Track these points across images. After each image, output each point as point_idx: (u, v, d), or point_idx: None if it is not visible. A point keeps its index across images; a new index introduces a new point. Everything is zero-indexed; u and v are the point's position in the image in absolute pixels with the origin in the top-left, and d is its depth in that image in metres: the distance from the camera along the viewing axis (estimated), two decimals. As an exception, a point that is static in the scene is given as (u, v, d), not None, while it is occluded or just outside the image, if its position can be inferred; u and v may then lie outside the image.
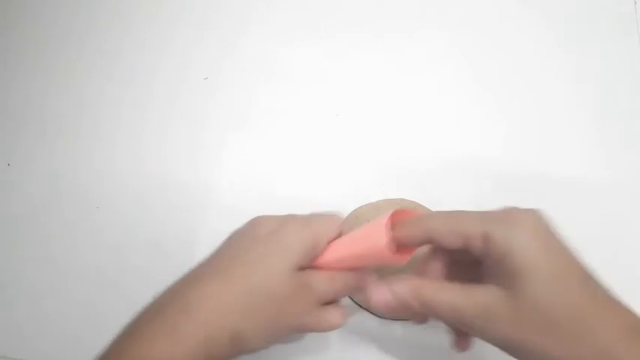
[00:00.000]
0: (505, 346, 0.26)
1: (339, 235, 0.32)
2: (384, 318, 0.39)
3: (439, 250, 0.30)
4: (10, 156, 0.48)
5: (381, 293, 0.29)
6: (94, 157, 0.47)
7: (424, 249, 0.31)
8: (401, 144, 0.45)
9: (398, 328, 0.39)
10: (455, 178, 0.43)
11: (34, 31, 0.53)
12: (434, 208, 0.42)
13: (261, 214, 0.42)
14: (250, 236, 0.31)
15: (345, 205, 0.42)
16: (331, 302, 0.32)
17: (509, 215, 0.27)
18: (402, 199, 0.42)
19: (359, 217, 0.42)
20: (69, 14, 0.54)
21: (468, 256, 0.27)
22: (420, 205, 0.42)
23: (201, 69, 0.49)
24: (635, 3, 0.49)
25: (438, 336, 0.38)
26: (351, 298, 0.39)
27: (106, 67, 0.51)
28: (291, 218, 0.32)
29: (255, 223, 0.32)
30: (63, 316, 0.41)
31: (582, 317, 0.24)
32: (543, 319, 0.25)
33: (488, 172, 0.43)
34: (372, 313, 0.39)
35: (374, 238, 0.29)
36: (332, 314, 0.31)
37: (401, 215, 0.30)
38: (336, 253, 0.32)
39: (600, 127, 0.45)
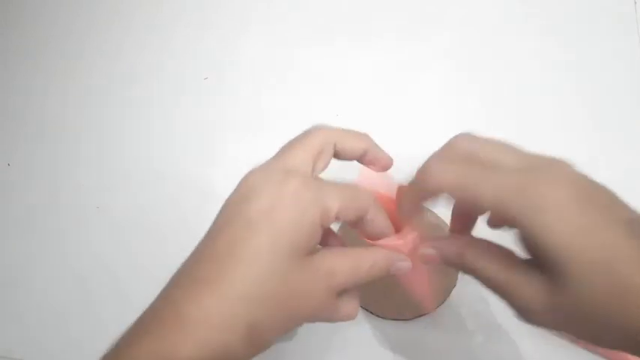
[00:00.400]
0: (545, 328, 0.24)
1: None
2: (385, 318, 0.39)
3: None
4: (10, 156, 0.48)
5: (430, 249, 0.27)
6: (94, 157, 0.47)
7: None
8: (401, 144, 0.45)
9: (398, 328, 0.39)
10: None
11: (34, 31, 0.53)
12: (433, 208, 0.42)
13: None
14: (244, 217, 0.25)
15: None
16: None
17: (527, 185, 0.23)
18: None
19: None
20: (69, 14, 0.54)
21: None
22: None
23: (201, 69, 0.49)
24: (635, 3, 0.49)
25: (438, 336, 0.38)
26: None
27: (106, 67, 0.51)
28: (291, 182, 0.26)
29: (247, 193, 0.27)
30: (63, 316, 0.41)
31: (623, 307, 0.21)
32: (585, 317, 0.22)
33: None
34: (372, 313, 0.39)
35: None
36: (348, 304, 0.27)
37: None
38: None
39: (600, 128, 0.45)
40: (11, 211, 0.45)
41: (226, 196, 0.45)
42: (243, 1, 0.52)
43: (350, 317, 0.27)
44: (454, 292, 0.39)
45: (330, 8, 0.51)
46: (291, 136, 0.46)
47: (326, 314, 0.26)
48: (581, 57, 0.47)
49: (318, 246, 0.27)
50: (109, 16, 0.53)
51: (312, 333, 0.39)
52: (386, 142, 0.45)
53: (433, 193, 0.26)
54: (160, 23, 0.52)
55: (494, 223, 0.27)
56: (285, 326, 0.25)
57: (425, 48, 0.49)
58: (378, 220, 0.28)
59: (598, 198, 0.24)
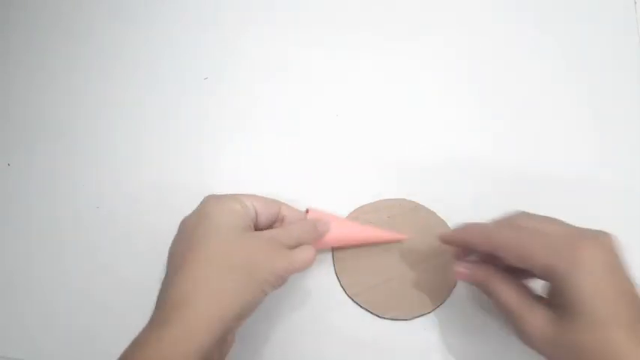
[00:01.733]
0: (536, 351, 0.30)
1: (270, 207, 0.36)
2: (384, 318, 0.39)
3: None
4: (10, 156, 0.48)
5: (463, 268, 0.34)
6: (94, 156, 0.47)
7: None
8: (401, 144, 0.45)
9: (399, 328, 0.39)
10: (454, 178, 0.43)
11: (34, 31, 0.53)
12: (434, 208, 0.42)
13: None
14: (184, 237, 0.34)
15: (344, 205, 0.42)
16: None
17: (575, 250, 0.28)
18: (402, 199, 0.42)
19: (359, 217, 0.42)
20: (69, 14, 0.54)
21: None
22: (421, 205, 0.42)
23: (201, 69, 0.49)
24: (635, 3, 0.49)
25: (437, 336, 0.38)
26: (352, 299, 0.39)
27: (106, 67, 0.51)
28: (207, 197, 0.35)
29: (180, 226, 0.35)
30: (63, 316, 0.41)
31: None
32: (577, 353, 0.27)
33: (487, 172, 0.43)
34: (372, 313, 0.39)
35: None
36: (302, 252, 0.34)
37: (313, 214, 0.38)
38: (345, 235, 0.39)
39: (600, 128, 0.45)
40: (11, 211, 0.45)
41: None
42: (243, 1, 0.52)
43: (306, 263, 0.34)
44: (453, 292, 0.39)
45: (331, 8, 0.51)
46: (291, 136, 0.46)
47: (282, 263, 0.32)
48: (581, 57, 0.47)
49: None
50: (109, 16, 0.53)
51: (310, 331, 0.39)
52: (386, 142, 0.46)
53: (489, 250, 0.32)
54: (159, 23, 0.52)
55: (526, 274, 0.32)
56: (249, 280, 0.31)
57: (425, 48, 0.49)
58: (293, 214, 0.37)
59: (625, 277, 0.29)
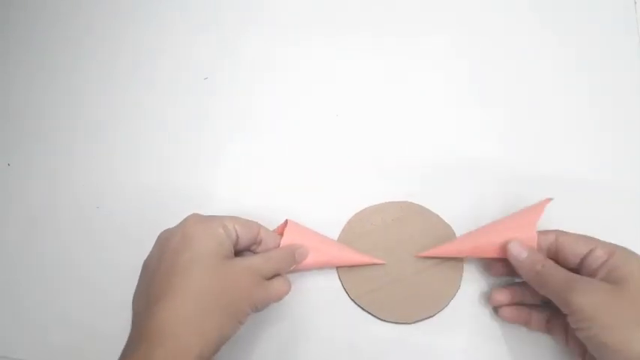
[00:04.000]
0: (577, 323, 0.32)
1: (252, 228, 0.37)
2: (387, 321, 0.39)
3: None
4: (10, 156, 0.48)
5: (518, 249, 0.35)
6: (93, 156, 0.47)
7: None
8: (401, 144, 0.45)
9: (400, 331, 0.39)
10: (455, 178, 0.43)
11: (34, 31, 0.53)
12: (434, 208, 0.42)
13: (260, 213, 0.42)
14: (166, 258, 0.33)
15: (344, 205, 0.42)
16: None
17: (610, 305, 0.31)
18: (410, 203, 0.42)
19: (363, 220, 0.42)
20: (69, 14, 0.54)
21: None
22: (427, 209, 0.42)
23: (201, 69, 0.49)
24: (635, 3, 0.49)
25: (438, 341, 0.38)
26: (353, 301, 0.39)
27: (105, 67, 0.51)
28: (189, 218, 0.35)
29: (161, 241, 0.35)
30: (63, 316, 0.41)
31: None
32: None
33: (488, 173, 0.43)
34: (374, 315, 0.39)
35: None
36: (278, 284, 0.35)
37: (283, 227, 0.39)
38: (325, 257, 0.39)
39: (600, 128, 0.44)
40: (11, 211, 0.45)
41: (226, 195, 0.45)
42: (243, 1, 0.52)
43: (278, 296, 0.35)
44: (455, 298, 0.39)
45: (331, 8, 0.51)
46: (291, 136, 0.46)
47: (259, 295, 0.34)
48: (581, 57, 0.47)
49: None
50: (108, 17, 0.53)
51: (311, 332, 0.39)
52: (386, 142, 0.46)
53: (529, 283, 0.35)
54: (159, 23, 0.52)
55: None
56: (228, 310, 0.32)
57: (425, 49, 0.49)
58: (270, 237, 0.38)
59: None
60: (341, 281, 0.40)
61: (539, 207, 0.36)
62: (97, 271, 0.42)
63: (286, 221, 0.39)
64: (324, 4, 0.51)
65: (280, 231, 0.39)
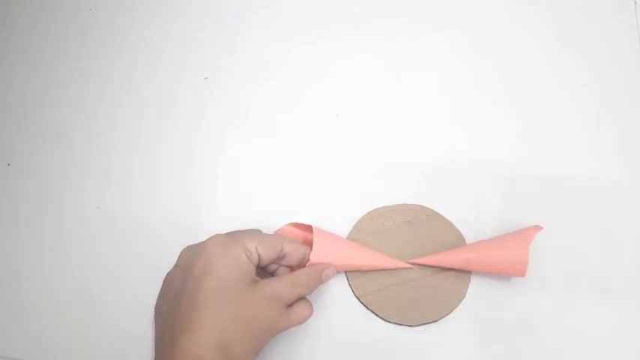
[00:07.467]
0: None
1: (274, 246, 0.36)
2: (389, 322, 0.39)
3: None
4: (10, 156, 0.48)
5: None
6: (93, 156, 0.47)
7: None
8: (401, 144, 0.45)
9: (402, 331, 0.38)
10: (455, 178, 0.43)
11: (34, 31, 0.53)
12: (434, 208, 0.42)
13: (260, 213, 0.42)
14: (190, 285, 0.33)
15: (344, 205, 0.42)
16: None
17: None
18: (420, 206, 0.42)
19: (373, 219, 0.42)
20: (68, 14, 0.54)
21: None
22: (438, 213, 0.42)
23: (201, 69, 0.49)
24: (635, 3, 0.49)
25: (439, 339, 0.38)
26: (358, 299, 0.39)
27: (105, 67, 0.51)
28: (216, 239, 0.35)
29: (184, 263, 0.35)
30: (63, 316, 0.41)
31: None
32: None
33: (489, 173, 0.43)
34: (377, 315, 0.39)
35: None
36: (301, 309, 0.35)
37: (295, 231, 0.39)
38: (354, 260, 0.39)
39: (600, 128, 0.45)
40: (11, 211, 0.45)
41: (225, 194, 0.45)
42: (243, 1, 0.52)
43: (300, 322, 0.35)
44: (461, 302, 0.39)
45: (331, 8, 0.51)
46: (292, 136, 0.46)
47: (282, 324, 0.34)
48: (580, 57, 0.47)
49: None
50: (108, 16, 0.53)
51: (317, 335, 0.39)
52: (386, 142, 0.46)
53: None
54: (159, 23, 0.52)
55: None
56: (253, 341, 0.32)
57: (425, 49, 0.49)
58: (295, 251, 0.36)
59: None
60: (347, 278, 0.40)
61: (531, 231, 0.37)
62: (97, 271, 0.42)
63: (298, 225, 0.39)
64: (324, 4, 0.51)
65: (291, 231, 0.39)
